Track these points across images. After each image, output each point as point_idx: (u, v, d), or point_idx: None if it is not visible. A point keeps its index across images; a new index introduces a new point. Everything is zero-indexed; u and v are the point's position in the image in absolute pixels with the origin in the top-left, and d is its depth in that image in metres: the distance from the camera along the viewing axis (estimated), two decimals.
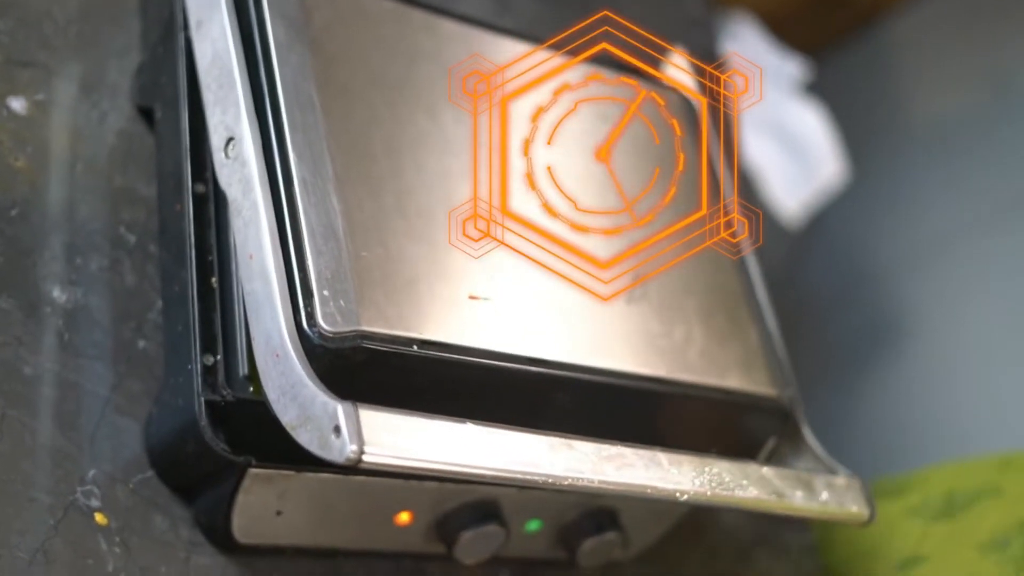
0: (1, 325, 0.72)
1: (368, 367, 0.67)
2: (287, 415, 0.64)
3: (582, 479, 0.66)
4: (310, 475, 0.72)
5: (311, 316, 0.66)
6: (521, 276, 0.76)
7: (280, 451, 0.71)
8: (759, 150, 1.65)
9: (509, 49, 0.83)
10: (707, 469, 0.71)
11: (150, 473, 0.74)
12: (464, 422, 0.65)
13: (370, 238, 0.70)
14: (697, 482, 0.70)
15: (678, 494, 0.69)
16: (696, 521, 0.94)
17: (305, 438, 0.63)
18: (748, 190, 1.26)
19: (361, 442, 0.60)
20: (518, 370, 0.72)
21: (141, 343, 0.76)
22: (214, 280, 0.73)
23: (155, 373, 0.76)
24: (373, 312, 0.67)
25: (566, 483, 0.66)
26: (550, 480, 0.66)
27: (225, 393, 0.71)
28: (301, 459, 0.72)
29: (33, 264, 0.75)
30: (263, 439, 0.71)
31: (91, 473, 0.72)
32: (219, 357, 0.71)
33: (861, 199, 1.90)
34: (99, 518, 0.72)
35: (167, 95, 0.77)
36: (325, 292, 0.66)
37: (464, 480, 0.64)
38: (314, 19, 0.74)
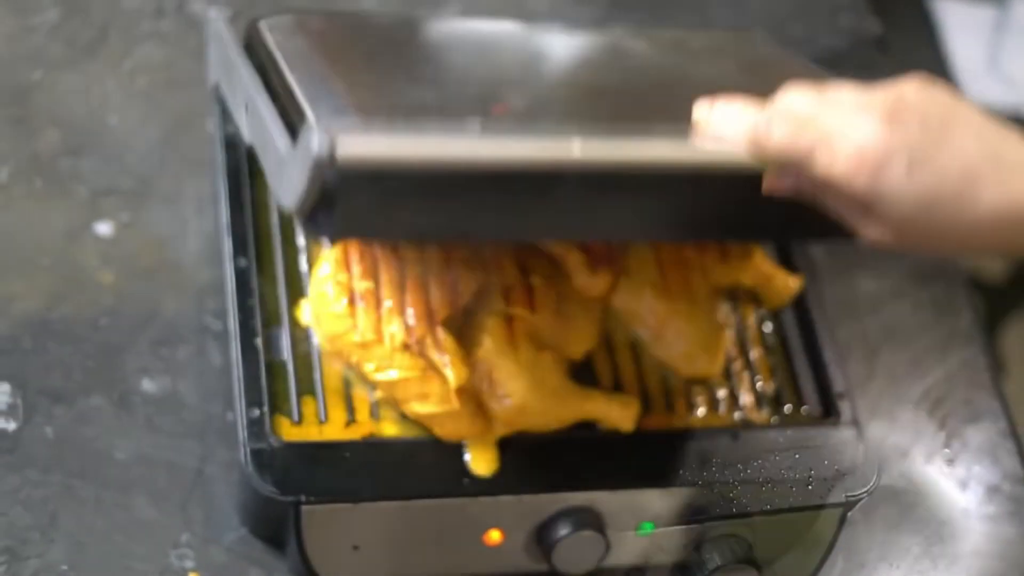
0: (93, 420, 0.80)
1: None
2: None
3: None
4: (370, 505, 0.75)
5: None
6: None
7: (334, 487, 0.75)
8: None
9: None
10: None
11: (243, 531, 0.79)
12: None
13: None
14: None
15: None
16: None
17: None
18: None
19: (332, 138, 0.59)
20: None
21: (230, 415, 0.82)
22: (258, 340, 0.78)
23: None
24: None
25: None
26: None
27: (271, 440, 0.75)
28: (353, 492, 0.75)
29: (123, 362, 0.83)
30: (315, 477, 0.75)
31: (184, 537, 0.78)
32: (265, 408, 0.76)
33: None
34: None
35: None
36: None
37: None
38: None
